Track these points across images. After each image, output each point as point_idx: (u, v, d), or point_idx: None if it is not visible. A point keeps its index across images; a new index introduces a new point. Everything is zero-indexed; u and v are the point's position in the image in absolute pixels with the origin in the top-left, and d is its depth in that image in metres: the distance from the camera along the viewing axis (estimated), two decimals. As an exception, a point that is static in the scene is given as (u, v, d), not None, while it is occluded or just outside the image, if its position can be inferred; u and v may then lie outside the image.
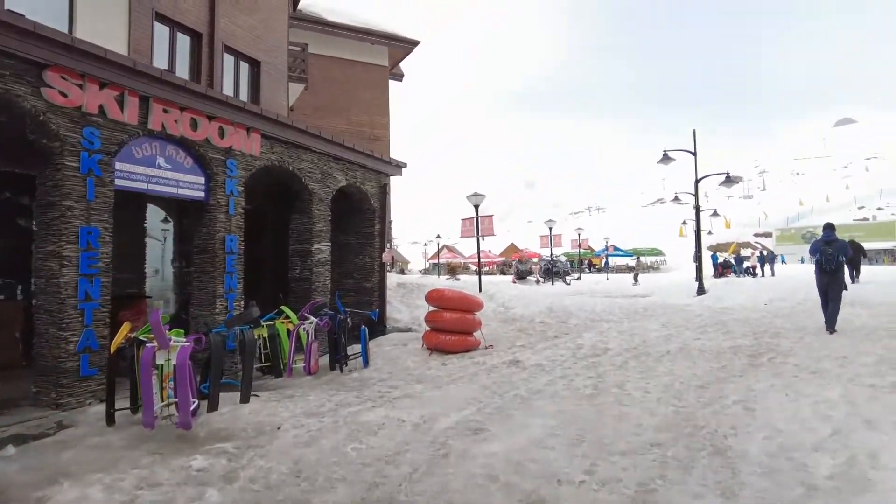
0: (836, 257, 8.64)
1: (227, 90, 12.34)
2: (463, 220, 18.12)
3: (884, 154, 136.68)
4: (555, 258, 28.01)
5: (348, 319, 7.83)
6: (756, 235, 78.96)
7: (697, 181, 14.46)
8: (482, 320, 10.59)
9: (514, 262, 26.60)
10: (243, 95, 13.09)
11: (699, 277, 14.77)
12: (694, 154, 14.32)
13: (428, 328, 8.45)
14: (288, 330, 7.85)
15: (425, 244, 51.01)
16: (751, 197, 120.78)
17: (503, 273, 45.53)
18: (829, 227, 9.23)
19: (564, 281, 24.08)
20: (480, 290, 14.40)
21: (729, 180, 14.43)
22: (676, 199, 23.27)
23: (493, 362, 7.28)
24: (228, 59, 12.66)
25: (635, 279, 21.93)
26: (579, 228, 33.51)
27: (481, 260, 55.21)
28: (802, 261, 57.48)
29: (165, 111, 7.44)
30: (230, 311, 8.24)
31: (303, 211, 10.28)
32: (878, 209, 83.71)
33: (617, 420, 4.63)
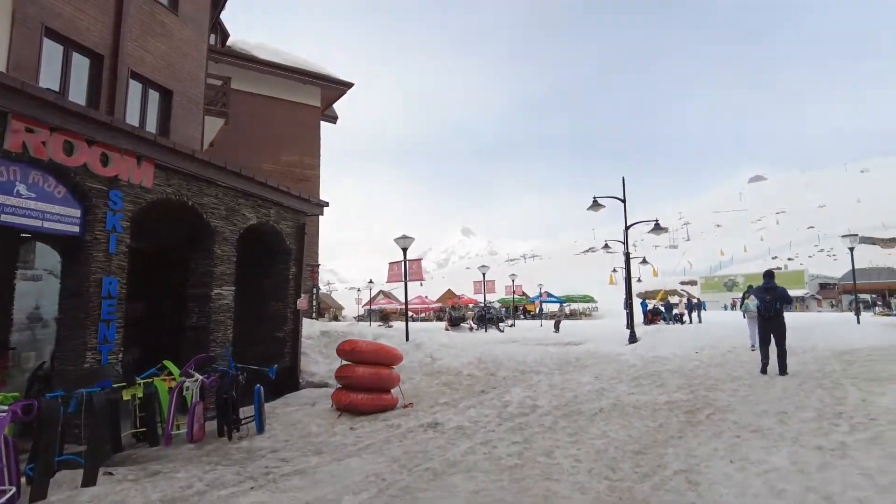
0: (774, 304, 8.91)
1: (132, 119, 11.23)
2: (391, 263, 17.29)
3: (791, 209, 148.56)
4: (489, 305, 27.54)
5: (241, 376, 6.75)
6: (682, 283, 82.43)
7: (627, 228, 14.43)
8: (404, 374, 9.69)
9: (447, 309, 25.86)
10: (151, 125, 11.99)
11: (630, 325, 14.52)
12: (623, 201, 14.33)
13: (338, 385, 7.46)
14: (170, 389, 6.69)
15: (359, 289, 49.48)
16: (676, 247, 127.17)
17: (439, 319, 44.69)
18: (768, 275, 9.49)
19: (498, 328, 23.53)
20: (408, 339, 13.50)
21: (658, 228, 14.49)
22: (606, 246, 23.52)
23: (410, 425, 6.39)
24: (135, 86, 11.60)
25: (556, 327, 21.62)
26: (513, 275, 33.38)
27: (418, 306, 53.96)
28: (726, 308, 60.25)
29: (29, 130, 6.37)
30: (103, 366, 6.98)
31: (203, 251, 9.18)
32: (789, 259, 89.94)
33: (542, 501, 3.85)
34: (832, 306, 53.49)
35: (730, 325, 25.57)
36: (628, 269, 15.00)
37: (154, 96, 12.09)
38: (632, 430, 5.71)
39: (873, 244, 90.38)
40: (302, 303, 10.59)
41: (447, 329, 22.59)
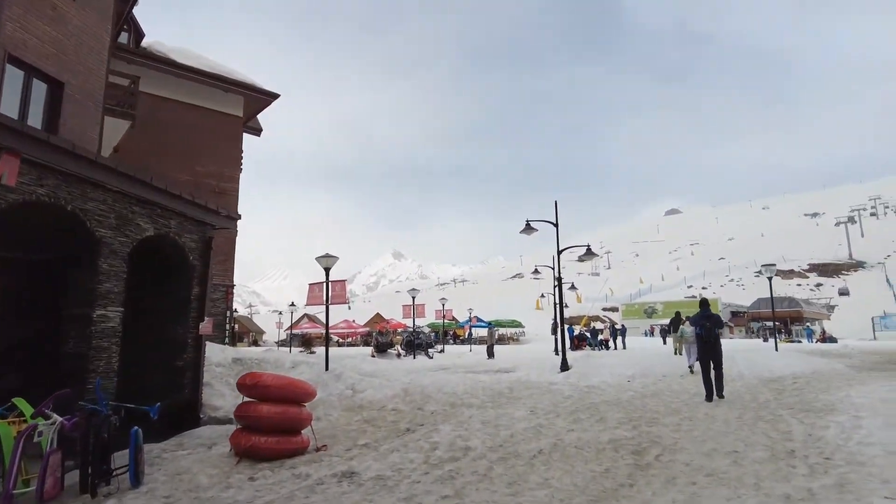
0: (713, 330, 9.52)
1: (9, 110, 9.67)
2: (311, 285, 16.08)
3: (704, 241, 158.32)
4: (418, 329, 26.64)
5: (114, 417, 5.53)
6: (604, 309, 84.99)
7: (559, 252, 14.16)
8: (321, 409, 8.66)
9: (373, 334, 24.72)
10: (35, 119, 10.44)
11: (563, 351, 14.13)
12: (556, 225, 14.07)
13: (238, 426, 6.34)
14: (17, 433, 5.36)
15: (280, 312, 46.91)
16: (598, 274, 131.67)
17: (366, 344, 43.14)
18: (704, 304, 10.19)
19: (427, 354, 22.66)
20: (328, 369, 12.39)
21: (590, 253, 14.32)
22: (536, 272, 23.34)
23: (321, 474, 5.40)
24: (15, 73, 10.06)
25: (489, 352, 20.99)
26: (443, 299, 32.74)
27: (344, 331, 51.89)
28: (646, 334, 62.39)
29: None
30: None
31: (85, 265, 7.82)
32: (703, 288, 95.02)
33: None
34: (751, 333, 56.58)
35: (652, 352, 26.09)
36: (560, 294, 14.69)
37: (39, 86, 10.56)
38: (576, 476, 5.03)
39: (775, 275, 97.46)
40: (205, 327, 9.31)
41: (373, 356, 21.47)
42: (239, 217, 10.49)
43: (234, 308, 19.65)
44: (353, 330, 56.12)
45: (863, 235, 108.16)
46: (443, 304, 31.39)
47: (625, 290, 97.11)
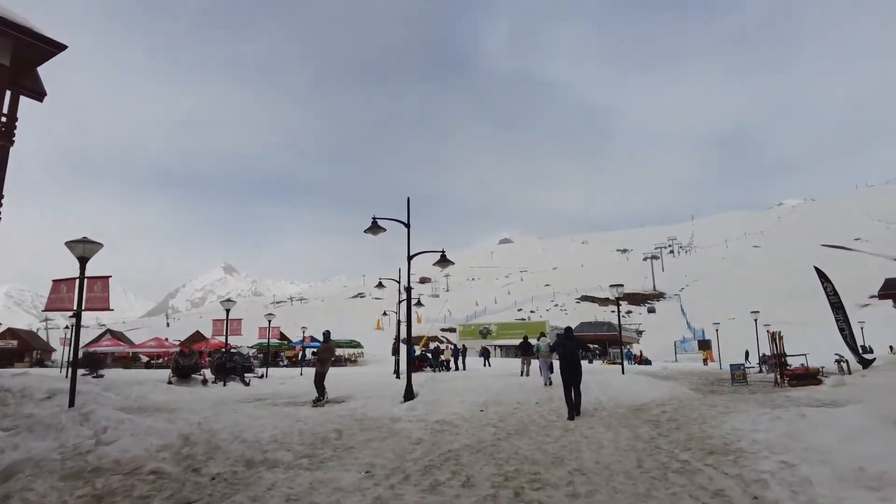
0: (576, 350, 10.29)
1: None
2: (55, 281, 11.74)
3: (532, 268, 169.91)
4: (234, 350, 22.51)
5: None
6: (443, 330, 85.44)
7: (410, 256, 11.86)
8: (20, 479, 5.17)
9: (175, 355, 20.10)
10: None
11: (408, 377, 11.67)
12: (407, 225, 11.79)
13: None
14: None
15: (67, 327, 38.06)
16: (438, 296, 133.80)
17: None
18: (568, 329, 11.00)
19: (243, 380, 18.78)
20: (73, 404, 8.48)
21: (444, 260, 12.25)
22: (380, 284, 20.86)
23: None
24: None
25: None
26: (270, 315, 28.67)
27: (154, 349, 44.01)
28: (480, 355, 63.22)
29: None
30: None
31: None
32: (531, 311, 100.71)
33: None
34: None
35: (492, 373, 24.94)
36: (409, 304, 12.30)
37: None
38: None
39: (593, 302, 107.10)
40: None
41: (171, 382, 17.08)
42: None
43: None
44: (164, 349, 48.12)
45: (663, 270, 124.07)
46: (269, 322, 27.35)
47: (462, 311, 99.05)
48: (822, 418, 6.98)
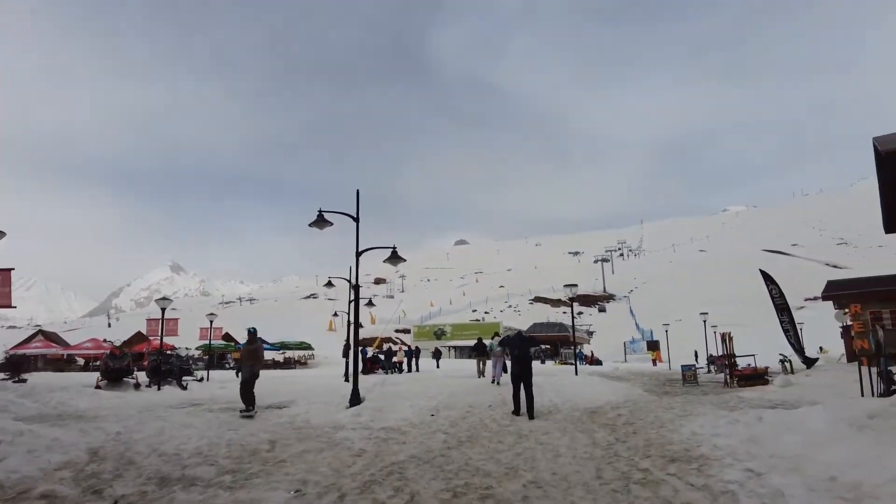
0: (529, 352, 10.35)
1: None
2: None
3: (487, 270, 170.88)
4: (171, 352, 21.18)
5: None
6: (397, 331, 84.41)
7: (359, 253, 11.16)
8: None
9: (104, 357, 18.64)
10: None
11: (354, 380, 10.94)
12: (356, 219, 11.10)
13: None
14: None
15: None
16: (392, 297, 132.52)
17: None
18: (519, 331, 11.88)
19: (179, 383, 17.56)
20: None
21: (395, 257, 11.62)
22: (329, 283, 20.02)
23: None
24: None
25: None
26: (211, 315, 27.25)
27: (90, 351, 41.37)
28: (433, 356, 62.64)
29: None
30: None
31: None
32: (486, 312, 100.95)
33: None
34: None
35: (446, 373, 24.42)
36: (356, 304, 11.57)
37: None
38: None
39: (546, 303, 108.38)
40: None
41: (98, 386, 15.75)
42: None
43: None
44: (102, 350, 45.25)
45: (613, 272, 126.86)
46: (210, 322, 25.96)
47: (417, 312, 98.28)
48: (781, 421, 6.76)
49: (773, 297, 18.06)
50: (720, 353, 34.81)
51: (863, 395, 9.89)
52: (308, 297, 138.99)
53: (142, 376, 18.48)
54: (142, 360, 22.95)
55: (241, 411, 10.18)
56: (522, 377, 9.80)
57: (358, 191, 11.09)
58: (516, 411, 9.68)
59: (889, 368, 10.02)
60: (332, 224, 10.99)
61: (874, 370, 10.26)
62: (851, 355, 23.69)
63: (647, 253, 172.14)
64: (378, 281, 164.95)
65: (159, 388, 16.69)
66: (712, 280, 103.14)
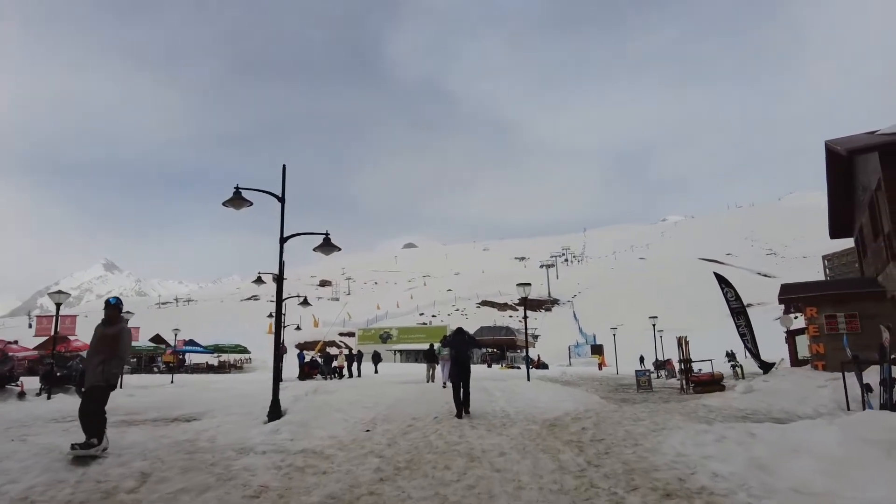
0: (467, 353, 10.20)
1: None
2: None
3: (435, 273, 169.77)
4: (66, 354, 18.64)
5: None
6: (341, 335, 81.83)
7: (283, 239, 9.45)
8: None
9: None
10: None
11: (274, 389, 9.11)
12: (281, 200, 9.42)
13: None
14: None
15: None
16: (338, 299, 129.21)
17: (33, 373, 30.66)
18: (460, 330, 10.89)
19: (79, 391, 15.19)
20: None
21: (328, 245, 9.98)
22: (259, 280, 17.88)
23: None
24: None
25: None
26: (128, 312, 24.50)
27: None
28: (372, 359, 60.69)
29: None
30: None
31: None
32: (433, 315, 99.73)
33: None
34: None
35: (387, 380, 22.74)
36: (279, 294, 9.71)
37: None
38: None
39: (493, 307, 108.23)
40: None
41: (-26, 395, 13.28)
42: None
43: None
44: (12, 353, 40.78)
45: (557, 277, 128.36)
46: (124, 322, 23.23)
47: (363, 315, 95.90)
48: (782, 440, 5.65)
49: (728, 301, 17.54)
50: (667, 358, 34.89)
51: (849, 408, 9.06)
52: (249, 298, 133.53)
53: (37, 381, 15.98)
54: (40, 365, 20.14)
55: (72, 447, 5.94)
56: (461, 376, 9.83)
57: (284, 166, 9.43)
58: (459, 415, 9.53)
59: (862, 376, 9.26)
60: (251, 203, 9.25)
61: (847, 377, 9.50)
62: (794, 361, 23.78)
63: (589, 259, 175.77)
64: (323, 283, 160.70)
65: (49, 397, 14.32)
66: (651, 286, 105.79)
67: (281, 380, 8.91)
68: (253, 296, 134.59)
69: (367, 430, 8.56)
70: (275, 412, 8.77)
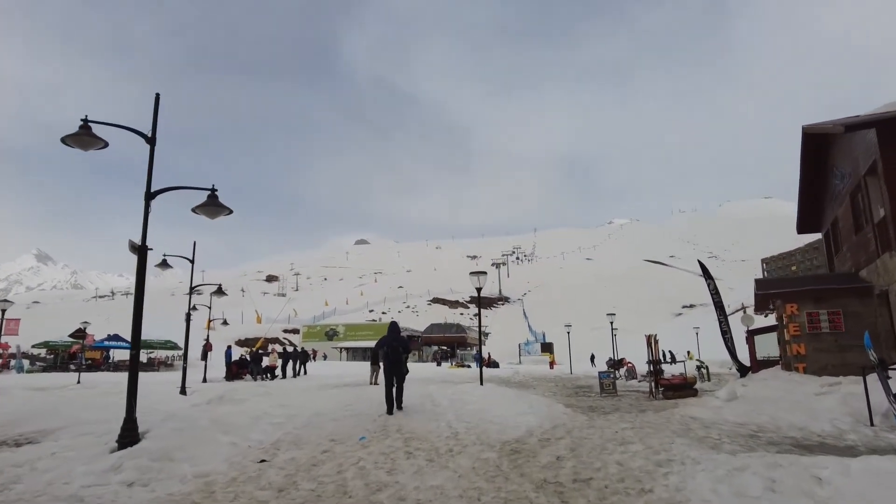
0: (399, 350, 9.94)
1: None
2: None
3: (386, 270, 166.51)
4: None
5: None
6: (286, 331, 77.93)
7: (151, 194, 6.82)
8: None
9: None
10: None
11: (129, 403, 6.54)
12: (150, 141, 6.78)
13: None
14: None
15: None
16: (284, 295, 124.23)
17: None
18: (394, 327, 10.65)
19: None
20: None
21: (215, 204, 7.37)
22: (165, 263, 14.78)
23: None
24: None
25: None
26: (35, 301, 20.99)
27: None
28: (325, 357, 57.59)
29: None
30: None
31: None
32: (383, 312, 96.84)
33: None
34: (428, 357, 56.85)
35: (317, 383, 19.90)
36: (142, 266, 6.96)
37: None
38: None
39: (444, 304, 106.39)
40: None
41: None
42: None
43: None
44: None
45: (508, 276, 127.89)
46: (1, 317, 19.78)
47: (310, 312, 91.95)
48: (866, 490, 3.66)
49: (711, 294, 16.14)
50: (620, 357, 33.66)
51: (872, 423, 7.32)
52: (194, 289, 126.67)
53: None
54: None
55: None
56: (394, 374, 9.74)
57: (158, 94, 6.87)
58: (389, 410, 9.47)
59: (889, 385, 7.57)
60: (105, 144, 6.63)
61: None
62: (754, 362, 22.76)
63: (539, 259, 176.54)
64: (270, 278, 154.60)
65: None
66: (597, 286, 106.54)
67: (129, 388, 6.25)
68: (195, 288, 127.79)
69: (262, 461, 6.17)
70: (128, 436, 6.20)
